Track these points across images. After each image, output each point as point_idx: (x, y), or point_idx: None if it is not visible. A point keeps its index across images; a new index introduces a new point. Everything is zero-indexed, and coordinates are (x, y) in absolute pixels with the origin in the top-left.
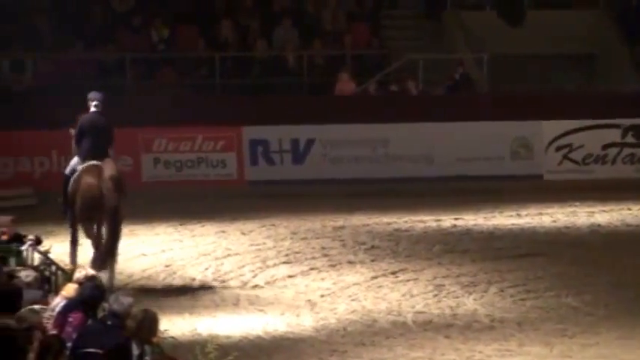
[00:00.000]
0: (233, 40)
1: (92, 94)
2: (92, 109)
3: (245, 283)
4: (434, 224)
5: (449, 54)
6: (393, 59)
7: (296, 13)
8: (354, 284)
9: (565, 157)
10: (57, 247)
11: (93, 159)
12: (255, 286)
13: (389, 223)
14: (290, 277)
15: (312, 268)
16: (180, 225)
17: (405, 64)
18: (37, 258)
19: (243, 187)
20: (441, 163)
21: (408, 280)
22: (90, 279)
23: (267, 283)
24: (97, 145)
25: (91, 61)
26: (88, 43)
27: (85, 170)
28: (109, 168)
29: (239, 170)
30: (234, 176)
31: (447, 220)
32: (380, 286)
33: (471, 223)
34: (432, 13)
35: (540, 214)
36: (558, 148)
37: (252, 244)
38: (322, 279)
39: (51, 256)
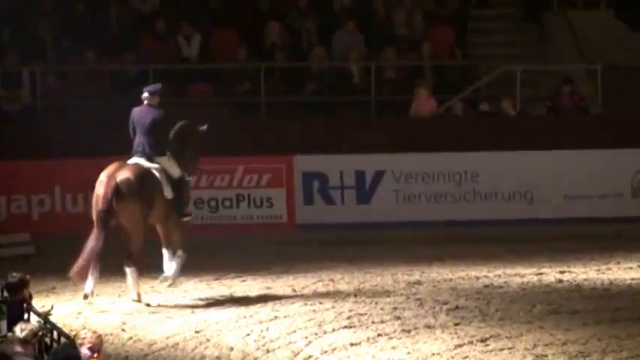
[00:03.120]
0: (282, 47)
1: (146, 87)
2: (144, 102)
3: (296, 354)
4: (534, 279)
5: (553, 65)
6: (484, 71)
7: (362, 14)
8: (434, 354)
9: None
10: (59, 307)
11: (136, 157)
12: (310, 357)
13: (477, 278)
14: (353, 345)
15: (380, 334)
16: (215, 280)
17: (498, 77)
18: (34, 321)
19: (294, 232)
20: (544, 202)
21: (502, 350)
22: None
23: (325, 352)
24: (140, 142)
25: (105, 73)
26: (101, 52)
27: (106, 169)
28: (127, 169)
29: (289, 211)
30: (283, 218)
31: (551, 274)
32: (466, 357)
33: (581, 277)
34: (532, 13)
35: None
36: None
37: (304, 304)
38: (393, 347)
39: (52, 319)
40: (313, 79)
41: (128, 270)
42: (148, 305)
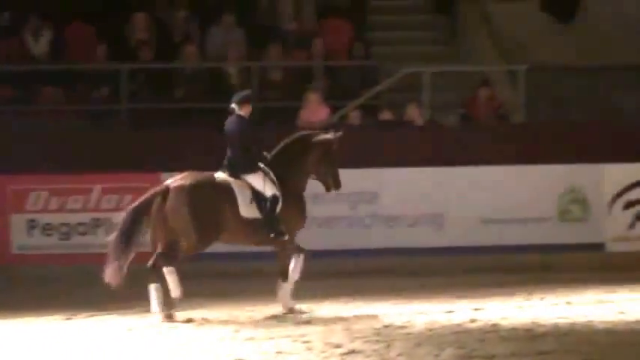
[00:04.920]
0: (149, 44)
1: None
2: (234, 112)
3: None
4: (443, 318)
5: (468, 65)
6: (386, 73)
7: (242, 6)
8: None
9: (638, 217)
10: None
11: (220, 171)
12: None
13: (376, 316)
14: None
15: None
16: (67, 319)
17: (402, 80)
18: None
19: None
20: (456, 227)
21: None
22: None
23: None
24: (227, 156)
25: None
26: None
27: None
28: (189, 178)
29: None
30: (149, 246)
31: (463, 312)
32: None
33: (499, 315)
34: (443, 5)
35: (601, 302)
36: (628, 205)
37: (175, 346)
38: None
39: None
40: (184, 82)
41: (165, 270)
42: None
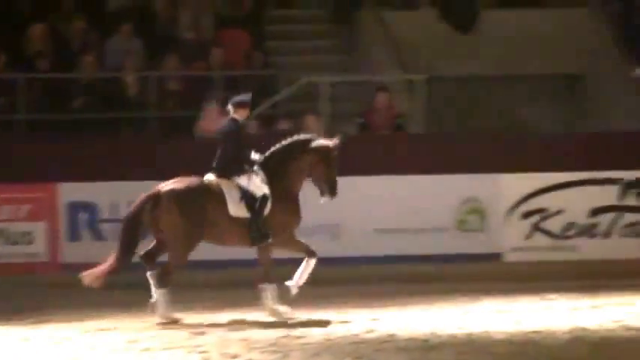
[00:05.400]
0: (46, 55)
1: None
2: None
3: None
4: (341, 328)
5: (367, 75)
6: (284, 83)
7: (139, 16)
8: None
9: (536, 227)
10: None
11: (211, 172)
12: None
13: (267, 326)
14: None
15: None
16: None
17: (300, 89)
18: None
19: (57, 273)
20: (351, 237)
21: None
22: None
23: None
24: (216, 157)
25: None
26: None
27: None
28: (178, 183)
29: (52, 248)
30: (44, 257)
31: (360, 322)
32: None
33: (396, 325)
34: (342, 14)
35: (499, 311)
36: (526, 215)
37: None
38: None
39: None
40: (82, 92)
41: (158, 292)
42: None
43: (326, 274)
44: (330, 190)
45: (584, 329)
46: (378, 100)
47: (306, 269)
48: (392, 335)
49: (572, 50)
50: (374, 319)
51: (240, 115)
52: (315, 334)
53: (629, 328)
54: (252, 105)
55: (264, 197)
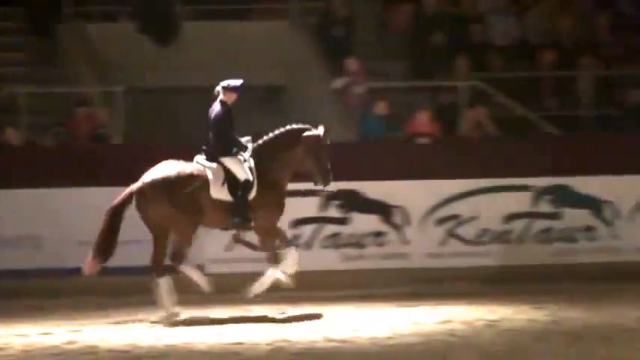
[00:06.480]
0: None
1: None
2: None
3: None
4: (38, 340)
5: (67, 87)
6: None
7: None
8: None
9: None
10: None
11: (200, 154)
12: None
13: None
14: None
15: None
16: None
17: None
18: None
19: None
20: (55, 248)
21: None
22: None
23: None
24: (206, 139)
25: None
26: None
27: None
28: (160, 170)
29: None
30: None
31: (62, 334)
32: None
33: (97, 337)
34: (42, 27)
35: (199, 323)
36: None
37: None
38: None
39: None
40: None
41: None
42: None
43: (28, 285)
44: (323, 179)
45: (285, 340)
46: (78, 112)
47: (291, 258)
48: (93, 347)
49: (275, 62)
50: (75, 331)
51: (227, 98)
52: (15, 345)
53: (330, 340)
54: None
55: (247, 182)
